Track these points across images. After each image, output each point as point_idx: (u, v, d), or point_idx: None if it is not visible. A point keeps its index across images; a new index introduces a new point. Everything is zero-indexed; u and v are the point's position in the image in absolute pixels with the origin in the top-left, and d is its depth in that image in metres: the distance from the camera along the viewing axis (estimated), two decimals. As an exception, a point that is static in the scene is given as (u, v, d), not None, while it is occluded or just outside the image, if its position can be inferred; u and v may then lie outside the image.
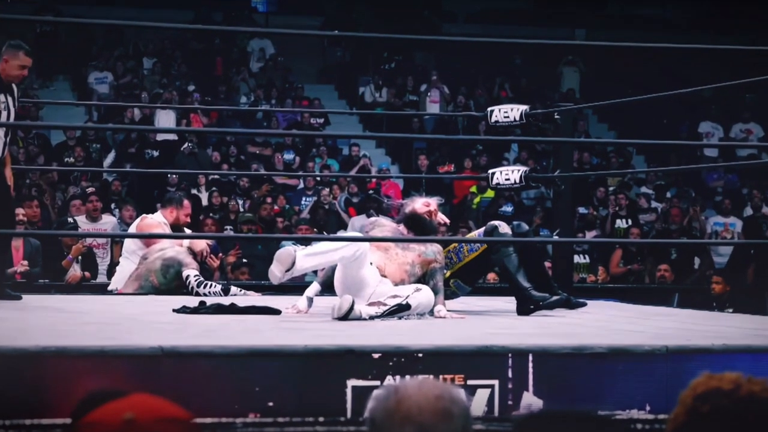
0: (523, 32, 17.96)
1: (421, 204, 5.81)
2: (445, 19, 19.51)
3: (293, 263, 5.17)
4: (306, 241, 6.62)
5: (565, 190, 7.07)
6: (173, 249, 7.22)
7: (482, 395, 3.74)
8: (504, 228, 5.84)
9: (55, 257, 8.73)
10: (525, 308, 5.76)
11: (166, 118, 15.05)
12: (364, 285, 5.33)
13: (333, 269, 5.45)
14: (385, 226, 5.81)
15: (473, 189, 14.29)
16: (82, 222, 9.67)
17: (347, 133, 16.76)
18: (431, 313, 5.42)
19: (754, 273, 10.69)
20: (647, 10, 20.34)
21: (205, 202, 12.97)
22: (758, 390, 1.91)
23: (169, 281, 7.13)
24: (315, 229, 11.84)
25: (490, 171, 7.13)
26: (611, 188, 14.53)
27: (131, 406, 1.96)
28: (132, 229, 7.91)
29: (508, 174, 6.93)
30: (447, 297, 5.68)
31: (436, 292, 5.47)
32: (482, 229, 6.01)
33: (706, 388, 1.93)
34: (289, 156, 15.01)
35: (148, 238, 7.37)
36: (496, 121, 6.96)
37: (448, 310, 5.48)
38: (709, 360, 3.90)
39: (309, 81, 17.99)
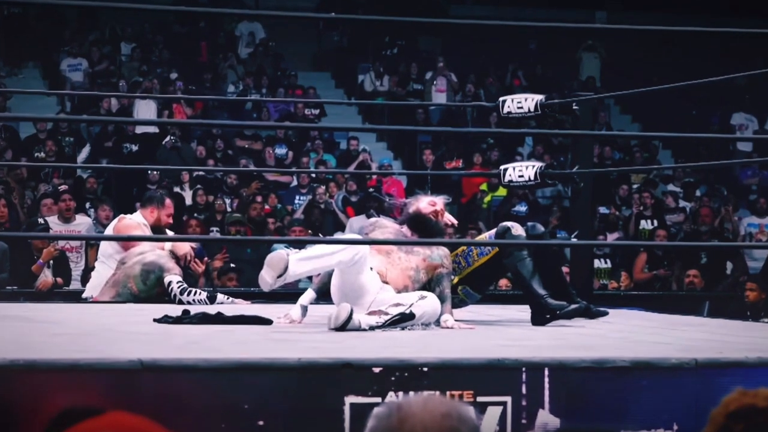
0: (538, 14, 17.97)
1: (426, 203, 5.81)
2: (452, 0, 19.52)
3: (286, 268, 5.17)
4: (300, 244, 6.62)
5: (585, 188, 7.07)
6: (154, 253, 7.23)
7: (493, 413, 3.74)
8: (517, 229, 5.83)
9: (24, 262, 8.74)
10: (540, 318, 5.76)
11: (146, 109, 15.05)
12: (364, 292, 5.33)
13: (329, 275, 5.45)
14: (386, 227, 5.81)
15: (483, 187, 14.30)
16: (54, 223, 9.68)
17: (345, 126, 16.75)
18: (437, 323, 5.42)
19: (792, 279, 10.70)
20: (674, -9, 20.35)
21: (189, 201, 12.98)
22: (796, 407, 1.91)
23: (150, 288, 7.13)
24: (310, 231, 11.85)
25: (502, 167, 7.14)
26: (635, 186, 14.55)
27: (108, 424, 1.97)
28: (109, 231, 7.91)
29: (522, 170, 6.94)
30: (455, 305, 5.68)
31: (442, 300, 5.47)
32: (493, 231, 6.01)
33: (740, 406, 1.93)
34: (281, 150, 15.02)
35: (126, 241, 7.37)
36: (509, 113, 6.96)
37: (455, 320, 5.48)
38: (742, 374, 3.91)
39: (303, 68, 18.01)
